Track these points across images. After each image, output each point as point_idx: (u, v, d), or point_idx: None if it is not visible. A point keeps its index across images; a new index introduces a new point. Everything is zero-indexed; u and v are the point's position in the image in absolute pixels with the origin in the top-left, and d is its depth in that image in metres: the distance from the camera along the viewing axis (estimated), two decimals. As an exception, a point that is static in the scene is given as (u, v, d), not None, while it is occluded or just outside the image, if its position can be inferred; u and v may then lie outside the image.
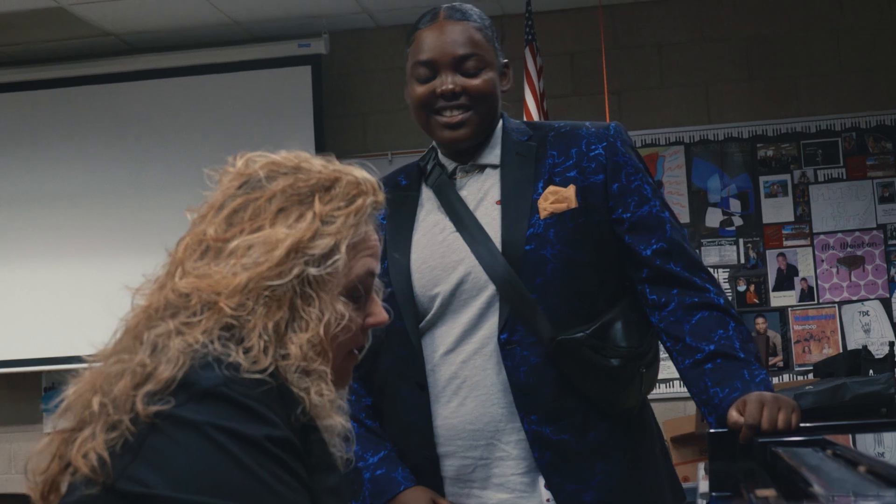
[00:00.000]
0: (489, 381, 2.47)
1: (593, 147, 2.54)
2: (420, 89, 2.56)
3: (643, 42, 6.82)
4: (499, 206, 2.53)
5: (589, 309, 2.47)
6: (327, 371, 1.74)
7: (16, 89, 7.07)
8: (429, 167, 2.65)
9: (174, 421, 1.60)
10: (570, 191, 2.50)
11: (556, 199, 2.49)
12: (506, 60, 2.63)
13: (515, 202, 2.51)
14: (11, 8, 6.30)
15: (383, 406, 2.61)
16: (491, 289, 2.47)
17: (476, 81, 2.53)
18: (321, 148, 6.72)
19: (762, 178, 6.64)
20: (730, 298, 2.54)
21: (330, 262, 1.76)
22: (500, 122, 2.63)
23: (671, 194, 6.53)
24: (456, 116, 2.53)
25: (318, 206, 1.78)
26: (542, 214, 2.48)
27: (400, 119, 6.85)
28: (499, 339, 2.46)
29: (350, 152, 6.91)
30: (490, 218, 2.52)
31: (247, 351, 1.67)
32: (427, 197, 2.63)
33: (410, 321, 2.52)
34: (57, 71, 7.02)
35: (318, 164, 1.84)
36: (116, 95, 6.97)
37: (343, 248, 1.78)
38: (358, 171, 1.86)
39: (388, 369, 2.58)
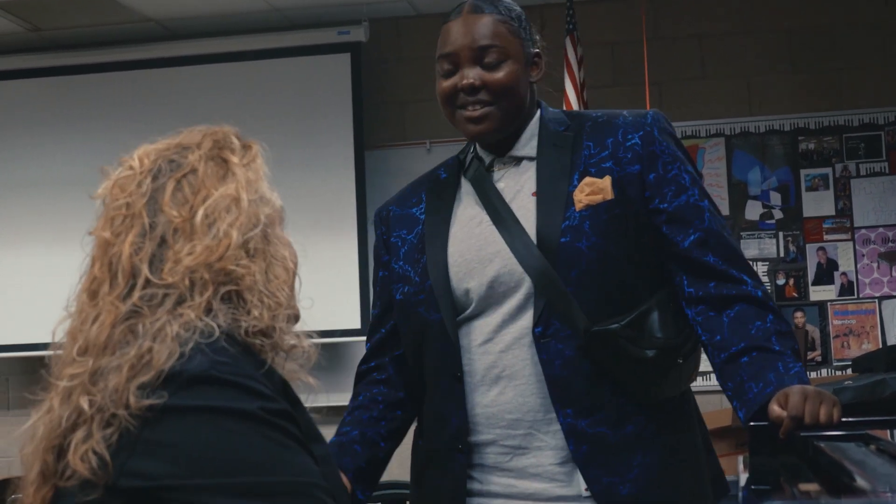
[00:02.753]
0: (527, 371, 2.45)
1: (630, 137, 2.51)
2: (444, 84, 2.56)
3: (685, 33, 6.78)
4: (534, 199, 2.51)
5: (625, 301, 2.44)
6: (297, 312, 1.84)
7: (56, 73, 7.10)
8: (467, 160, 2.64)
9: (167, 411, 1.60)
10: (606, 182, 2.47)
11: (592, 190, 2.46)
12: (537, 50, 2.60)
13: (551, 194, 2.49)
14: (53, -8, 6.33)
15: (423, 399, 2.63)
16: (527, 282, 2.46)
17: (496, 75, 2.50)
18: (360, 136, 6.72)
19: (803, 172, 6.59)
20: (768, 290, 2.51)
21: (273, 200, 1.86)
22: (538, 113, 2.61)
23: (711, 186, 6.49)
24: (477, 110, 2.52)
25: (234, 158, 1.84)
26: (578, 206, 2.46)
27: (438, 108, 6.82)
28: (533, 332, 2.44)
29: (388, 140, 6.91)
30: (526, 210, 2.51)
31: (248, 312, 1.72)
32: (466, 191, 2.62)
33: (448, 313, 2.52)
34: (97, 56, 7.05)
35: (196, 135, 1.88)
36: (156, 81, 6.99)
37: (268, 185, 1.87)
38: (227, 127, 1.92)
39: (427, 363, 2.58)
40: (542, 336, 2.43)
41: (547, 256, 2.43)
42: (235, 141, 1.87)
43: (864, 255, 6.52)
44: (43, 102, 7.11)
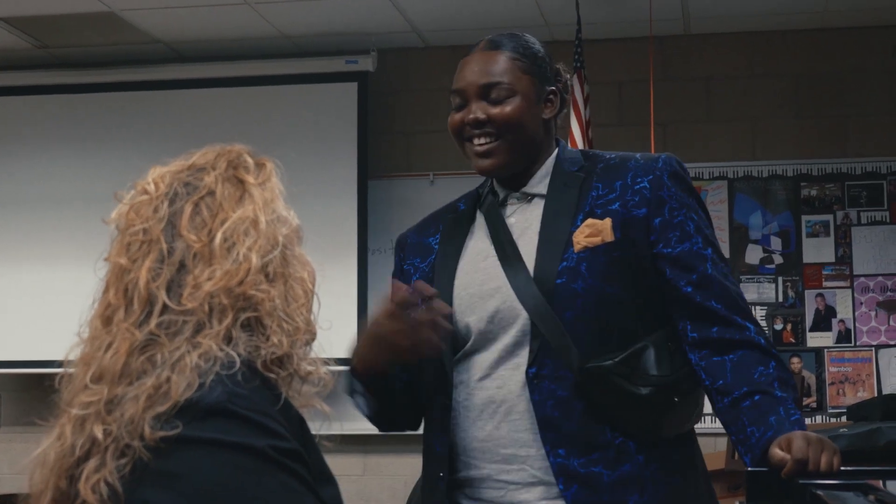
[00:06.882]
0: (521, 407, 2.46)
1: (639, 180, 2.52)
2: (454, 118, 2.61)
3: (692, 75, 6.79)
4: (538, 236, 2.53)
5: (621, 343, 2.45)
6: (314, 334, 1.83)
7: (62, 91, 7.11)
8: (484, 193, 2.67)
9: (180, 441, 1.59)
10: (607, 224, 2.48)
11: (592, 232, 2.48)
12: (552, 88, 2.63)
13: (552, 234, 2.51)
14: (63, 11, 6.33)
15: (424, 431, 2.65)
16: (525, 319, 2.47)
17: (501, 109, 2.54)
18: (364, 165, 6.73)
19: (805, 218, 6.60)
20: (769, 336, 2.51)
21: (290, 218, 1.84)
22: (556, 151, 2.63)
23: (712, 229, 6.49)
24: (483, 145, 2.55)
25: (249, 178, 1.82)
26: (576, 248, 2.47)
27: (443, 140, 6.77)
28: (527, 373, 2.45)
29: (392, 171, 6.91)
30: (530, 248, 2.52)
31: (268, 338, 1.70)
32: (479, 224, 2.64)
33: (447, 345, 2.52)
34: (105, 76, 7.06)
35: (210, 155, 1.87)
36: (162, 103, 7.00)
37: (283, 204, 1.86)
38: (239, 146, 1.90)
39: (424, 391, 2.60)
40: (535, 377, 2.44)
41: (543, 295, 2.45)
42: (249, 160, 1.86)
43: (862, 303, 6.51)
44: (47, 120, 7.12)
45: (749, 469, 2.23)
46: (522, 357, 2.47)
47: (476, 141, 2.56)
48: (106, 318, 1.72)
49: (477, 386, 2.50)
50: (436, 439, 2.54)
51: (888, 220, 6.54)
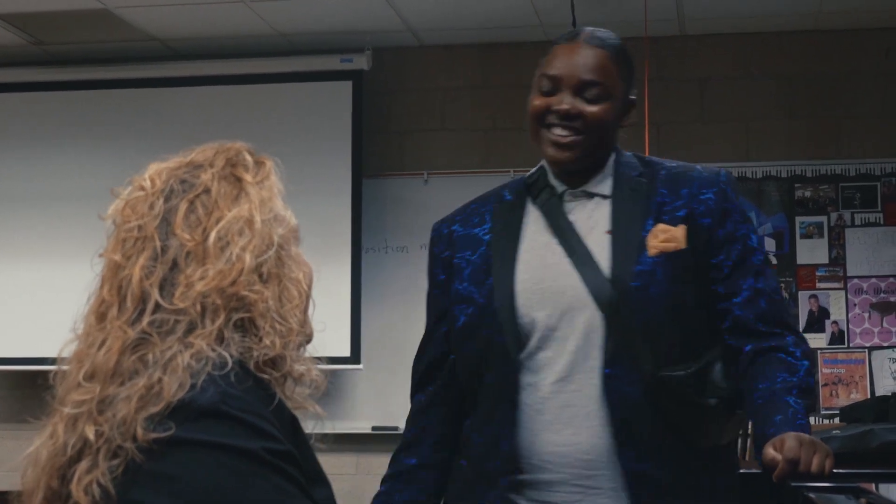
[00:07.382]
0: (602, 412, 2.45)
1: (704, 191, 2.54)
2: (538, 101, 2.56)
3: (686, 76, 6.80)
4: (608, 237, 2.51)
5: (689, 348, 2.46)
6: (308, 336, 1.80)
7: (57, 88, 7.11)
8: (537, 185, 2.64)
9: (173, 443, 1.58)
10: (681, 231, 2.49)
11: (667, 237, 2.48)
12: (633, 98, 2.63)
13: (626, 236, 2.50)
14: (57, 8, 6.33)
15: (473, 425, 2.60)
16: (599, 318, 2.46)
17: (593, 108, 2.52)
18: (357, 163, 6.72)
19: (798, 219, 6.61)
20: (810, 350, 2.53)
21: (288, 218, 1.82)
22: (614, 155, 2.62)
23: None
24: (566, 137, 2.52)
25: (247, 176, 1.80)
26: (651, 252, 2.47)
27: (437, 139, 6.85)
28: (602, 372, 2.44)
29: (386, 169, 6.91)
30: (600, 248, 2.51)
31: (260, 340, 1.68)
32: (534, 217, 2.61)
33: (512, 338, 2.50)
34: (99, 73, 7.06)
35: (208, 152, 1.84)
36: (157, 100, 7.00)
37: (282, 203, 1.83)
38: (240, 143, 1.87)
39: (487, 386, 2.55)
40: (610, 377, 2.43)
41: (619, 297, 2.45)
42: (248, 158, 1.84)
43: (855, 305, 6.52)
44: (43, 116, 7.11)
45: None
46: (596, 359, 2.45)
47: (558, 131, 2.53)
48: (100, 314, 1.71)
49: (553, 389, 2.48)
50: (501, 436, 2.50)
51: (882, 222, 6.55)
